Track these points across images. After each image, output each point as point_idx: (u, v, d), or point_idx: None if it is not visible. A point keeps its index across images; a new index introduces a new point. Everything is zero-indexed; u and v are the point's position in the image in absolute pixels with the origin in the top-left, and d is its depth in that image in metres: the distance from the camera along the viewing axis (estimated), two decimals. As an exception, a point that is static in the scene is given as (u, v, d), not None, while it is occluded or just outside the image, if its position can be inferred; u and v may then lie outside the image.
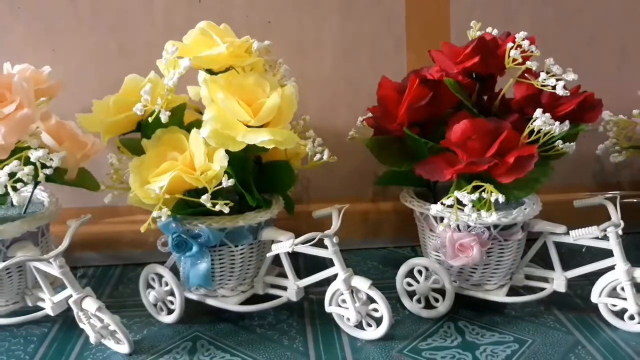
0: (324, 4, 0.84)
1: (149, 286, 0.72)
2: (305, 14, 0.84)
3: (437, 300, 0.70)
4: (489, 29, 0.68)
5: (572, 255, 0.81)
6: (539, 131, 0.59)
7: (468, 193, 0.56)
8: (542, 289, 0.70)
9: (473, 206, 0.56)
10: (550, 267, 0.69)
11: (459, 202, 0.57)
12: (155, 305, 0.71)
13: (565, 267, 0.69)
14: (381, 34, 0.85)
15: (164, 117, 0.58)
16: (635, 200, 0.81)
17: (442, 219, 0.64)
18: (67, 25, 0.81)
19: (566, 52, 0.89)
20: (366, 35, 0.85)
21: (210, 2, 0.82)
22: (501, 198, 0.55)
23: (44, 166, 0.59)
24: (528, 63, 0.58)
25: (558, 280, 0.69)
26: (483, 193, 0.56)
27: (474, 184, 0.58)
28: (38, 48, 0.81)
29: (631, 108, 0.83)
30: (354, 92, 0.84)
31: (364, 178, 0.86)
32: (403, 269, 0.71)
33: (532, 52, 0.58)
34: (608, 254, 0.65)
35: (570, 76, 0.59)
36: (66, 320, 0.71)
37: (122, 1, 0.81)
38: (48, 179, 0.61)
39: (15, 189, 0.57)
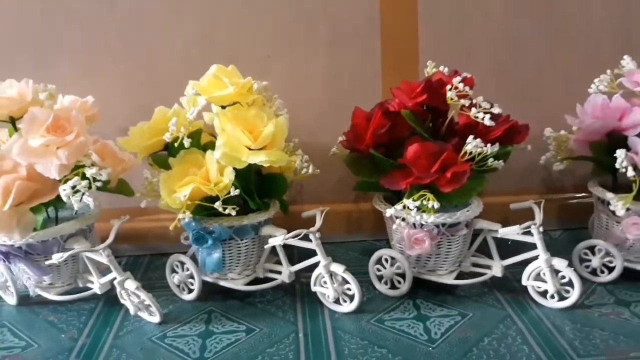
0: (314, 41, 1.01)
1: (174, 271, 0.91)
2: (299, 49, 1.01)
3: (399, 282, 0.88)
4: (441, 67, 0.86)
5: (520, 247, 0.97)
6: (471, 152, 0.77)
7: (414, 200, 0.74)
8: (484, 274, 0.88)
9: (418, 210, 0.75)
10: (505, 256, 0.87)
11: (407, 207, 0.75)
12: (178, 286, 0.90)
13: (512, 256, 0.86)
14: (361, 65, 1.02)
15: (187, 144, 0.77)
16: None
17: (402, 218, 0.83)
18: (104, 62, 0.99)
19: (519, 81, 1.06)
20: (348, 67, 1.02)
21: (220, 40, 1.00)
22: (436, 204, 0.74)
23: (95, 180, 0.78)
24: (462, 100, 0.76)
25: (496, 267, 0.87)
26: (424, 201, 0.75)
27: (421, 192, 0.76)
28: (80, 80, 0.99)
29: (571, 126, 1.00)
30: (338, 114, 1.00)
31: (346, 185, 1.02)
32: (373, 257, 0.89)
33: (466, 92, 0.76)
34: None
35: (496, 110, 0.77)
36: (109, 298, 0.90)
37: (149, 42, 0.99)
38: (97, 189, 0.80)
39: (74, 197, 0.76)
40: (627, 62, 0.92)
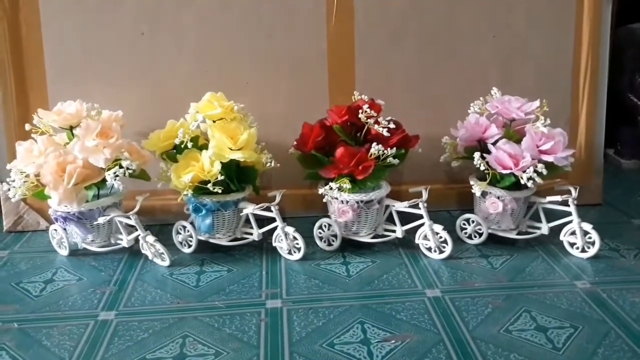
0: (280, 73, 1.41)
1: (178, 232, 1.31)
2: (269, 78, 1.42)
3: (333, 241, 1.29)
4: (364, 96, 1.26)
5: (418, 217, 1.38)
6: (376, 154, 1.18)
7: (336, 183, 1.15)
8: (389, 236, 1.29)
9: (339, 189, 1.16)
10: (405, 224, 1.28)
11: (331, 187, 1.16)
12: (181, 243, 1.30)
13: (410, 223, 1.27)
14: (313, 91, 1.42)
15: (189, 145, 1.17)
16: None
17: (335, 197, 1.23)
18: (129, 88, 1.39)
19: (427, 100, 1.47)
20: (304, 92, 1.42)
21: (212, 72, 1.40)
22: (348, 186, 1.15)
23: (128, 169, 1.17)
24: (369, 120, 1.17)
25: (398, 231, 1.28)
26: (342, 184, 1.16)
27: (342, 179, 1.17)
28: (111, 99, 1.38)
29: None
30: (296, 125, 1.40)
31: (302, 174, 1.43)
32: (317, 224, 1.30)
33: (372, 114, 1.17)
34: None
35: (392, 125, 1.17)
36: (133, 250, 1.30)
37: (160, 74, 1.39)
38: (129, 175, 1.20)
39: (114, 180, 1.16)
40: (494, 92, 1.34)
